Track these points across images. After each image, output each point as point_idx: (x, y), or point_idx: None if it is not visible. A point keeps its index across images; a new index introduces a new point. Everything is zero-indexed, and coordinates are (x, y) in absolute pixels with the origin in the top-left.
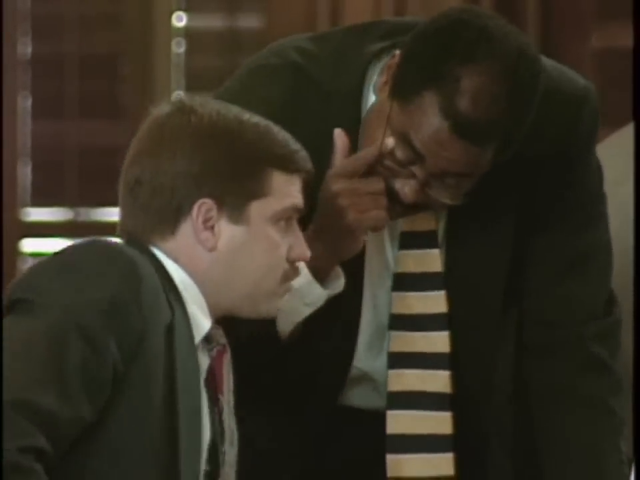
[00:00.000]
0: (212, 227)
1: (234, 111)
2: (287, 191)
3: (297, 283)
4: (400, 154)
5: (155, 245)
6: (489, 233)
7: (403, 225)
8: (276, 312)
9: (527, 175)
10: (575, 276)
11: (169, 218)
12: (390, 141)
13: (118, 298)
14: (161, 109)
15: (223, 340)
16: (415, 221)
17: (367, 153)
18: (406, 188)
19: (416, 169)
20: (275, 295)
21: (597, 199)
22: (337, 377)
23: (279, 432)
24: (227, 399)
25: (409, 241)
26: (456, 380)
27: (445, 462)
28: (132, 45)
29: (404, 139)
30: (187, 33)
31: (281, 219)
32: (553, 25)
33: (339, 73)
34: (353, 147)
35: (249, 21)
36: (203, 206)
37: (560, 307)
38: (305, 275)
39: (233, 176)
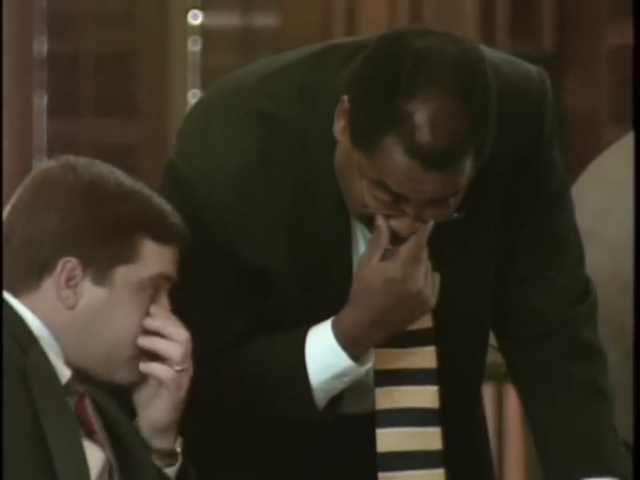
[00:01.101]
0: (75, 286)
1: (116, 176)
2: (155, 259)
3: (339, 367)
4: (382, 197)
5: (16, 296)
6: (471, 243)
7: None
8: (134, 379)
9: (498, 178)
10: (556, 264)
11: (34, 271)
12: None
13: None
14: (45, 165)
15: (81, 388)
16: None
17: (417, 238)
18: (401, 225)
19: (404, 207)
20: (132, 362)
21: (564, 186)
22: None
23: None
24: (103, 437)
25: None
26: (444, 394)
27: (436, 478)
28: (147, 43)
29: (381, 185)
30: (203, 31)
31: (148, 286)
32: (568, 24)
33: (308, 112)
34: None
35: (265, 19)
36: (68, 264)
37: (546, 296)
38: (345, 360)
39: (101, 239)
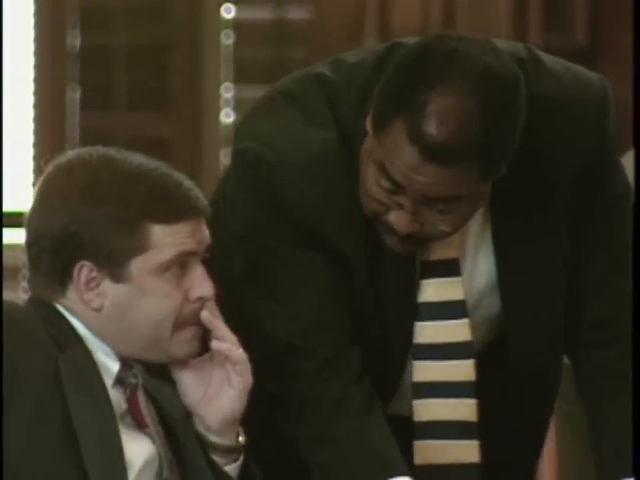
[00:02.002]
0: (96, 287)
1: (116, 166)
2: (169, 241)
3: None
4: (383, 184)
5: (54, 301)
6: (541, 255)
7: (423, 254)
8: (192, 352)
9: (562, 188)
10: (622, 269)
11: (56, 281)
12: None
13: None
14: (52, 164)
15: (135, 380)
16: (435, 250)
17: None
18: (397, 219)
19: (401, 199)
20: (181, 335)
21: (626, 190)
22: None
23: None
24: (155, 430)
25: (430, 270)
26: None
27: None
28: (181, 36)
29: (382, 169)
30: (236, 24)
31: (169, 268)
32: (601, 17)
33: (362, 114)
34: None
35: (298, 13)
36: (83, 268)
37: (614, 302)
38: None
39: (108, 236)
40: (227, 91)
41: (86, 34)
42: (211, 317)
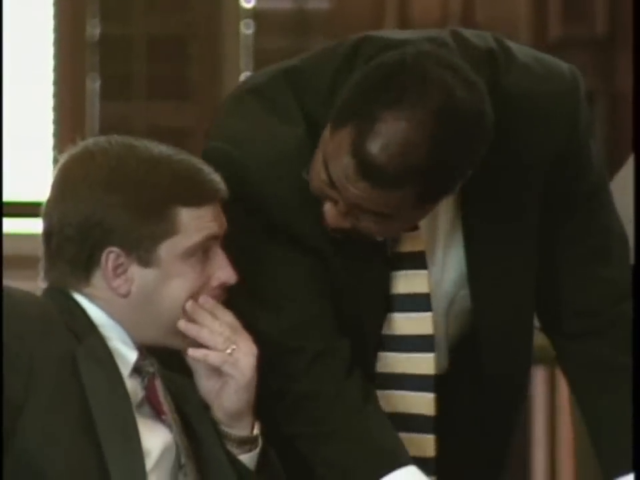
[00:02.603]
0: (124, 273)
1: (139, 152)
2: (195, 225)
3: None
4: (323, 177)
5: (74, 290)
6: (512, 239)
7: (394, 246)
8: None
9: (534, 179)
10: (600, 258)
11: (81, 268)
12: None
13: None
14: (67, 154)
15: (152, 369)
16: (405, 242)
17: None
18: (328, 212)
19: (337, 196)
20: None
21: (602, 180)
22: None
23: None
24: (172, 418)
25: (400, 261)
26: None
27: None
28: (200, 26)
29: (325, 166)
30: (256, 14)
31: (195, 253)
32: (620, 7)
33: (330, 106)
34: None
35: (318, 2)
36: (111, 254)
37: (594, 293)
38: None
39: (136, 221)
40: None
41: (106, 23)
42: (187, 325)
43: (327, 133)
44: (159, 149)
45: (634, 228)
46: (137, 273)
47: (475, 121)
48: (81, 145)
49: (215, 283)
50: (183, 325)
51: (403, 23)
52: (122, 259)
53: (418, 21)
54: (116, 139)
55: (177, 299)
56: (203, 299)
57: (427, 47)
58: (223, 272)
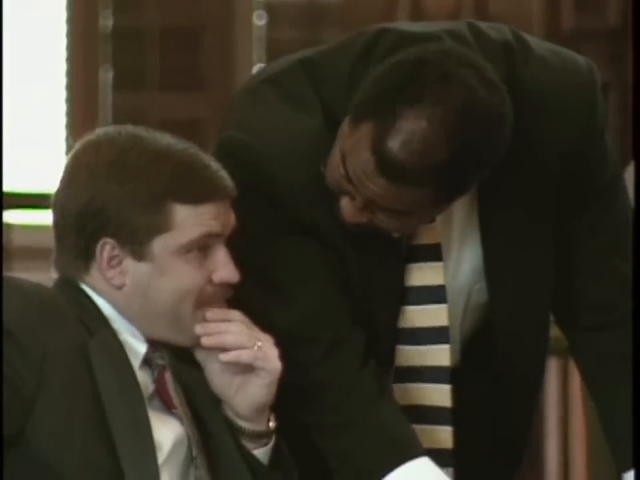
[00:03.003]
0: (118, 265)
1: (141, 145)
2: (192, 222)
3: None
4: (341, 171)
5: (80, 280)
6: (528, 232)
7: (409, 238)
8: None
9: (550, 171)
10: (616, 251)
11: (81, 258)
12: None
13: (12, 326)
14: (79, 143)
15: (162, 361)
16: (421, 234)
17: None
18: (345, 207)
19: (354, 191)
20: (198, 319)
21: (616, 174)
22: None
23: None
24: (182, 411)
25: (415, 254)
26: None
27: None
28: (213, 17)
29: (343, 160)
30: (268, 5)
31: (191, 249)
32: (634, 3)
33: (348, 98)
34: None
35: None
36: (105, 246)
37: (610, 286)
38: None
39: (131, 214)
40: None
41: (118, 15)
42: (209, 339)
43: (345, 127)
44: (168, 142)
45: (634, 228)
46: (130, 266)
47: (495, 121)
48: (94, 134)
49: (216, 280)
50: (205, 340)
51: (416, 15)
52: (116, 251)
53: (431, 12)
54: (127, 129)
55: (171, 293)
56: (209, 313)
57: (449, 44)
58: (224, 270)
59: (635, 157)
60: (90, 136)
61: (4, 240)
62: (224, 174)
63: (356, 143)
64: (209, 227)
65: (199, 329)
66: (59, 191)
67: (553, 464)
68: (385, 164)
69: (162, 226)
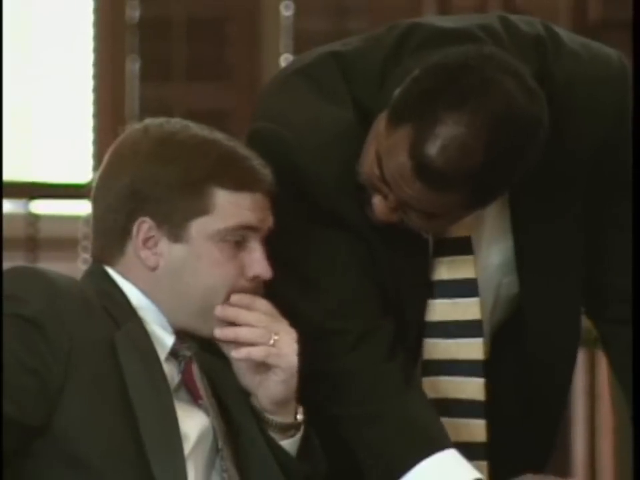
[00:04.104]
0: (154, 246)
1: (190, 131)
2: (231, 209)
3: None
4: (376, 172)
5: (110, 265)
6: (559, 225)
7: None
8: None
9: (582, 164)
10: None
11: (116, 238)
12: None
13: (40, 317)
14: (127, 129)
15: (189, 352)
16: (449, 228)
17: None
18: (378, 206)
19: (388, 192)
20: None
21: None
22: None
23: None
24: (208, 402)
25: (443, 248)
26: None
27: (478, 469)
28: (240, 7)
29: (379, 161)
30: None
31: (227, 238)
32: None
33: (378, 94)
34: None
35: None
36: (143, 225)
37: None
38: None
39: (171, 194)
40: (286, 62)
41: (145, 5)
42: (223, 331)
43: (380, 126)
44: (213, 133)
45: (634, 228)
46: (166, 247)
47: (533, 130)
48: (143, 122)
49: (249, 274)
50: (218, 332)
51: (443, 5)
52: (153, 231)
53: (457, 1)
54: (175, 119)
55: (204, 279)
56: (235, 297)
57: (489, 48)
58: (258, 265)
59: (634, 156)
60: (137, 125)
61: (31, 230)
62: (265, 170)
63: (393, 145)
64: (247, 217)
65: (219, 309)
66: (101, 173)
67: (580, 453)
68: (423, 169)
69: (201, 208)
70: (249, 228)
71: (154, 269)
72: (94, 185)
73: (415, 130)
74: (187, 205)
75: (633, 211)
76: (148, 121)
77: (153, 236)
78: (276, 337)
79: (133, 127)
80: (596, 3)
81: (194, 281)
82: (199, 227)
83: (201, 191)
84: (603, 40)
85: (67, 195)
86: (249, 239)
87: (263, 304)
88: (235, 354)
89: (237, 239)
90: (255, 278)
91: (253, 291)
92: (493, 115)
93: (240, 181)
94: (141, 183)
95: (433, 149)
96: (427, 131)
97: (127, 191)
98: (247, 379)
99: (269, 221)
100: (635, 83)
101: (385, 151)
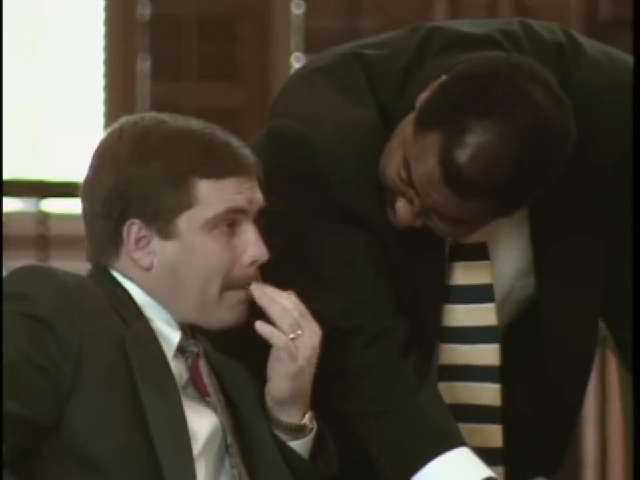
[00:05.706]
0: (146, 246)
1: (166, 125)
2: (215, 197)
3: None
4: (402, 176)
5: (111, 267)
6: (579, 234)
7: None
8: (237, 319)
9: (604, 171)
10: None
11: (109, 242)
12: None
13: (50, 316)
14: (105, 132)
15: (195, 349)
16: None
17: None
18: (401, 210)
19: (413, 195)
20: (227, 301)
21: None
22: None
23: None
24: (216, 398)
25: (460, 253)
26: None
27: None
28: (251, 6)
29: (406, 165)
30: None
31: (217, 225)
32: None
33: (399, 97)
34: None
35: None
36: (132, 226)
37: None
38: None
39: (155, 192)
40: (297, 61)
41: (156, 3)
42: (261, 292)
43: (407, 130)
44: (189, 123)
45: (634, 228)
46: (158, 245)
47: (561, 140)
48: (118, 122)
49: (246, 260)
50: (257, 292)
51: (453, 4)
52: (143, 232)
53: (467, 2)
54: (149, 115)
55: (200, 271)
56: (268, 289)
57: (517, 57)
58: (254, 248)
59: (634, 157)
60: (114, 125)
61: (42, 229)
62: (246, 151)
63: (422, 151)
64: (234, 201)
65: (254, 286)
66: (86, 179)
67: (591, 453)
68: (452, 176)
69: (186, 202)
70: (237, 211)
71: (149, 268)
72: (80, 194)
73: (444, 137)
74: (172, 201)
75: (633, 211)
76: (123, 119)
77: (144, 236)
78: (299, 332)
79: (109, 130)
80: (607, 2)
81: (190, 275)
82: (188, 221)
83: (184, 185)
84: (614, 39)
85: (78, 194)
86: (239, 222)
87: (292, 298)
88: (259, 326)
89: (228, 223)
90: (253, 263)
91: (249, 280)
92: (523, 124)
93: (222, 169)
94: (125, 185)
95: (463, 156)
96: (456, 138)
97: (112, 195)
98: (269, 363)
99: (258, 201)
100: (635, 83)
101: (413, 156)
